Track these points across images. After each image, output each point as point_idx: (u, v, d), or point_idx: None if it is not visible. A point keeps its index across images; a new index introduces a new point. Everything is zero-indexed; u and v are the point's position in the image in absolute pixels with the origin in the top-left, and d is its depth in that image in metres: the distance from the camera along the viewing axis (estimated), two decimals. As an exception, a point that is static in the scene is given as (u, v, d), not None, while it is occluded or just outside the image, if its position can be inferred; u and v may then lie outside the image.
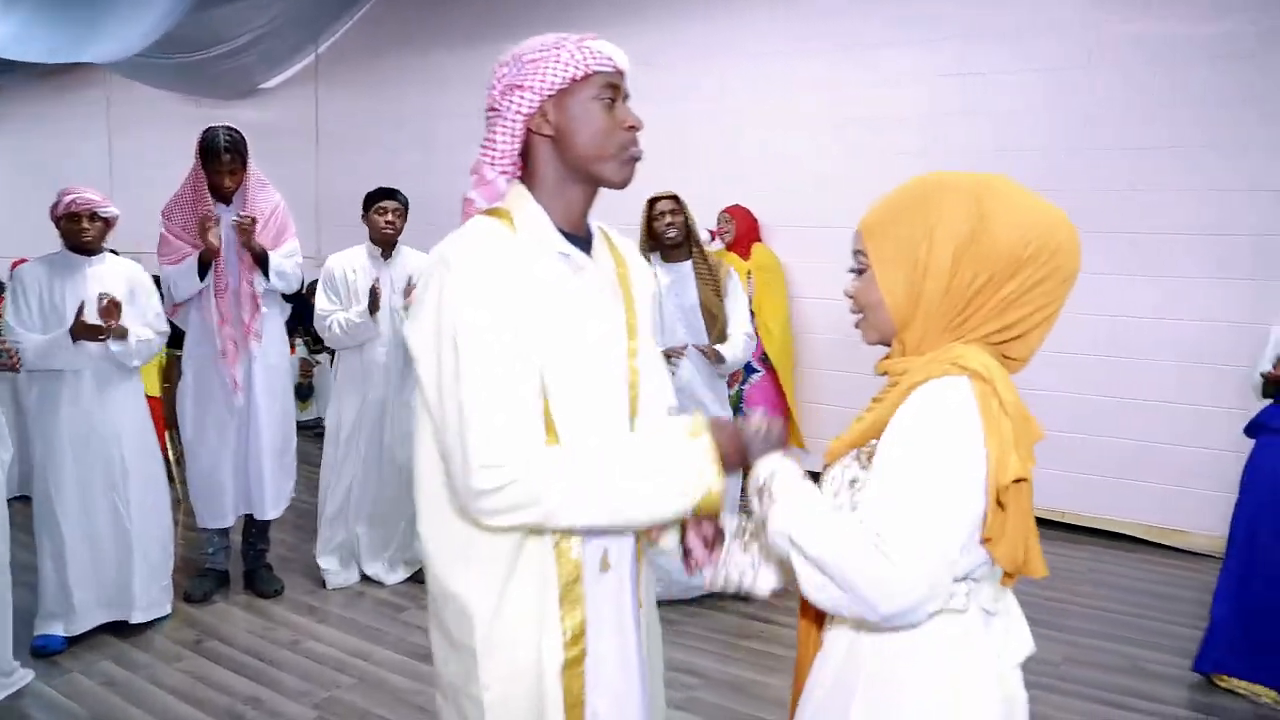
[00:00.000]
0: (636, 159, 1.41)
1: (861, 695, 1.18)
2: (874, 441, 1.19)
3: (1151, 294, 4.59)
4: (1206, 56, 4.37)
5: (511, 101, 1.37)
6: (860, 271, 1.25)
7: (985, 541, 1.11)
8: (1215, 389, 4.42)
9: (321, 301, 3.91)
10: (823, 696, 1.25)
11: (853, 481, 1.20)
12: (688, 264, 3.80)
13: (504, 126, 1.39)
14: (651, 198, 3.74)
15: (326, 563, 3.98)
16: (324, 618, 3.65)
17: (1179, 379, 4.55)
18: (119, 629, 3.40)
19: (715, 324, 3.78)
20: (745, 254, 5.33)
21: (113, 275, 3.41)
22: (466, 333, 1.27)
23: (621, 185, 1.42)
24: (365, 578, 4.02)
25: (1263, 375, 3.08)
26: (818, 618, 1.31)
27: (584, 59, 1.36)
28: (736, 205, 5.37)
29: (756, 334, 5.25)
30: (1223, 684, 3.13)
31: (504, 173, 1.43)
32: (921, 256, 1.16)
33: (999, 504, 1.09)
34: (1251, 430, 3.18)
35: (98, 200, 3.34)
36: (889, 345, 1.27)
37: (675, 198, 3.74)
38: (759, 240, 5.42)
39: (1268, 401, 3.11)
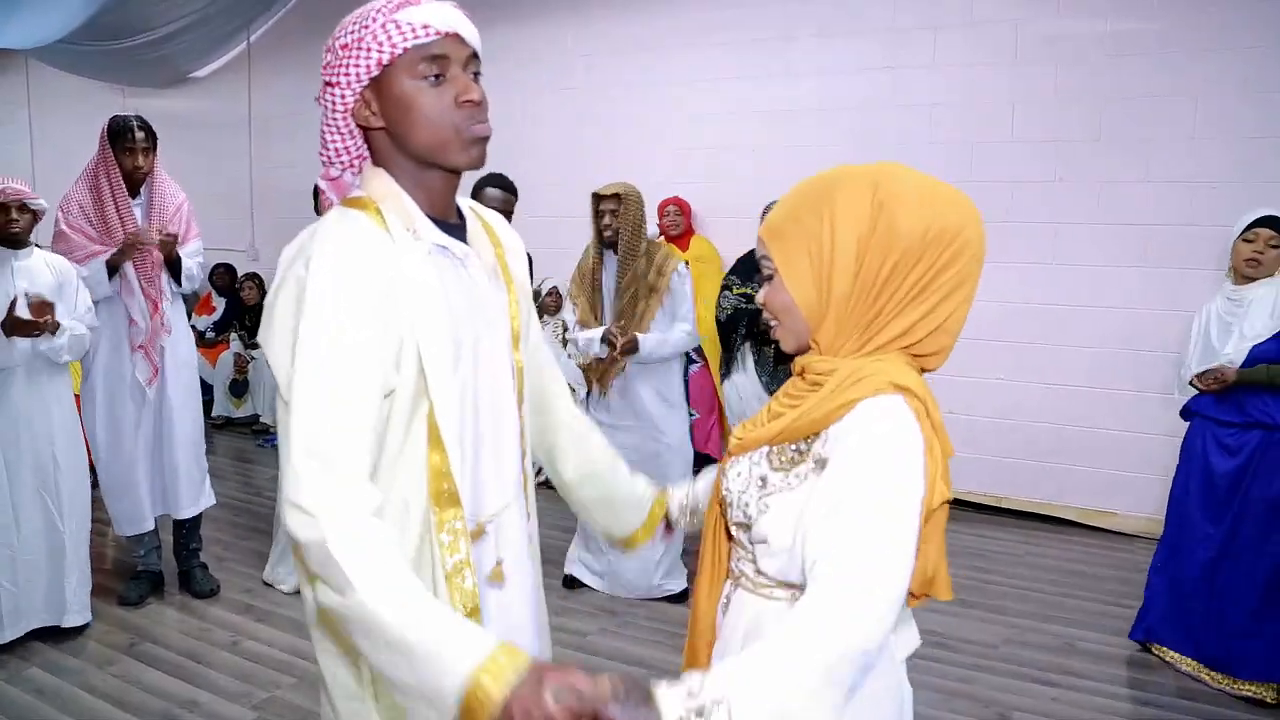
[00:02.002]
0: (481, 138, 1.24)
1: None
2: (795, 446, 1.17)
3: (1078, 282, 4.72)
4: (1122, 53, 4.51)
5: (329, 99, 1.23)
6: (770, 278, 1.21)
7: None
8: (1140, 375, 4.57)
9: None
10: None
11: (763, 480, 1.19)
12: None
13: (329, 124, 1.25)
14: (595, 194, 3.73)
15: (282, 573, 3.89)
16: (262, 617, 3.57)
17: (1106, 365, 4.69)
18: (46, 634, 3.28)
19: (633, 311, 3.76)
20: (684, 246, 5.37)
21: (41, 269, 3.27)
22: (310, 337, 1.10)
23: (473, 168, 1.26)
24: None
25: (1191, 383, 3.18)
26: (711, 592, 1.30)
27: (389, 37, 1.17)
28: (676, 196, 5.41)
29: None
30: (1155, 651, 3.27)
31: (349, 167, 1.30)
32: (825, 251, 1.13)
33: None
34: (1185, 414, 3.31)
35: (27, 191, 3.21)
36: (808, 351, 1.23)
37: (616, 196, 3.72)
38: (694, 232, 5.49)
39: (1194, 391, 3.22)
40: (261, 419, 6.82)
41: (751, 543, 1.21)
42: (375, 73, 1.19)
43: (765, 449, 1.20)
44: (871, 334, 1.15)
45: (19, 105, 8.78)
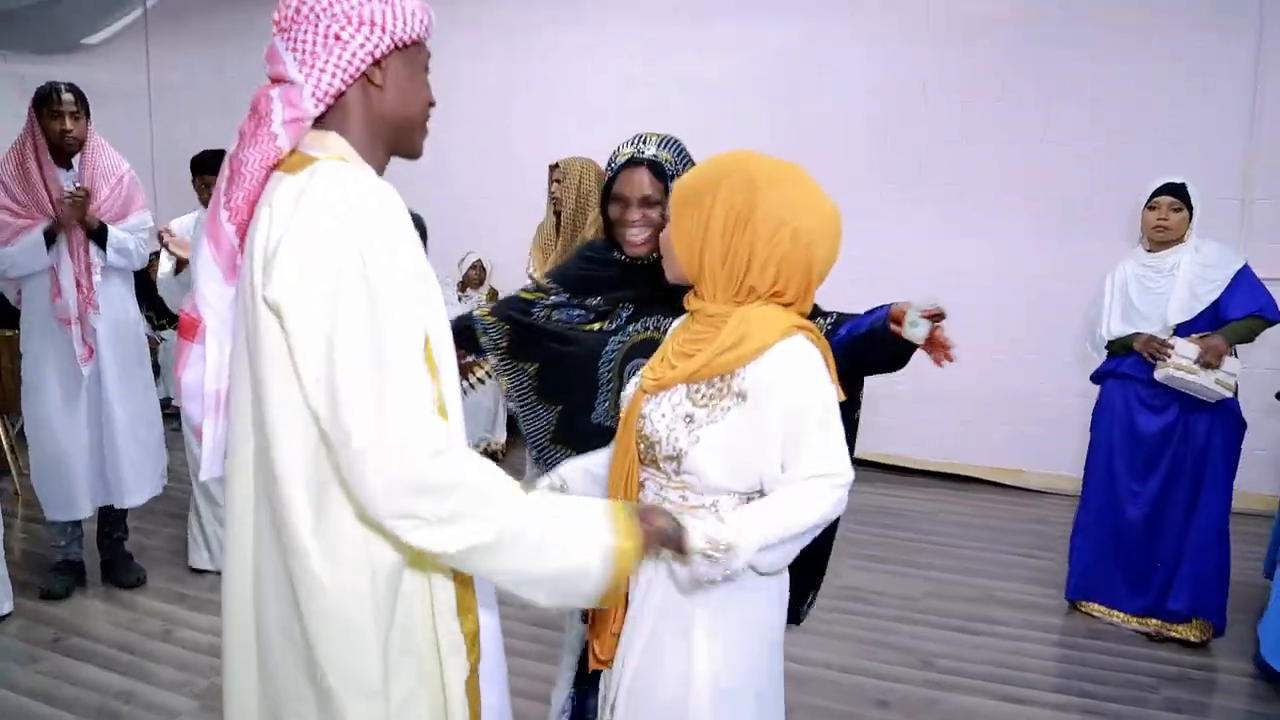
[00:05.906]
0: (426, 134, 1.35)
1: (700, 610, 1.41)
2: (706, 384, 1.39)
3: (990, 250, 4.92)
4: (1027, 36, 4.73)
5: (362, 37, 1.18)
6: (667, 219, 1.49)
7: None
8: (1048, 339, 4.81)
9: (163, 265, 3.72)
10: (657, 618, 1.44)
11: (689, 417, 1.39)
12: None
13: (344, 60, 1.18)
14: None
15: (197, 553, 3.80)
16: (195, 605, 3.49)
17: (1016, 330, 4.91)
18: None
19: None
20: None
21: None
22: (389, 290, 1.09)
23: (415, 157, 1.33)
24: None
25: (1109, 346, 3.31)
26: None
27: (426, 21, 1.24)
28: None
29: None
30: (1082, 609, 3.42)
31: (316, 116, 1.22)
32: (701, 230, 1.40)
33: None
34: (1097, 378, 3.41)
35: None
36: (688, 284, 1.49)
37: (555, 166, 3.79)
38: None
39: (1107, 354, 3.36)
40: (174, 402, 6.59)
41: (679, 473, 1.42)
42: (412, 39, 1.23)
43: (684, 389, 1.42)
44: (742, 297, 1.42)
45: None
